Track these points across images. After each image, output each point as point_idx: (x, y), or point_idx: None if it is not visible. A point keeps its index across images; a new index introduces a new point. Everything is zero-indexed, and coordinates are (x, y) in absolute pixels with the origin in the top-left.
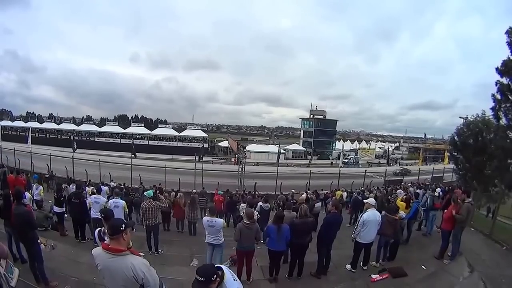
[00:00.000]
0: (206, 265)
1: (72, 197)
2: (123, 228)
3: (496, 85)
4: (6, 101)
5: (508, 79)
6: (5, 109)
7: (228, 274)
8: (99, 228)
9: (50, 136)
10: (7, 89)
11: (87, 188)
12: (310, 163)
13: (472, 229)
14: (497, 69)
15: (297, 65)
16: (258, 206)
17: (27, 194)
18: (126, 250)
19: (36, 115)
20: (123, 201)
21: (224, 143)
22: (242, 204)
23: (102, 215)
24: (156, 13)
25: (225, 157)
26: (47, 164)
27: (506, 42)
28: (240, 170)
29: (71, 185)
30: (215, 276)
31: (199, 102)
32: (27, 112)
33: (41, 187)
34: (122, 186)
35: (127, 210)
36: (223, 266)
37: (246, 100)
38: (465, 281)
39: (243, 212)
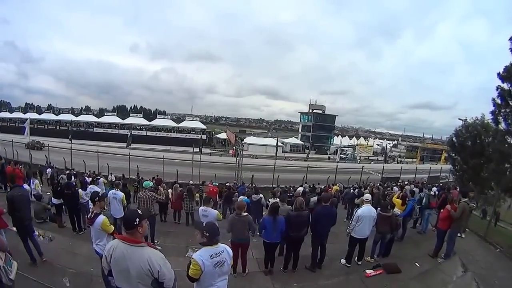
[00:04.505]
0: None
1: (65, 188)
2: (137, 223)
3: (497, 90)
4: (5, 92)
5: (509, 85)
6: (3, 101)
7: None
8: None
9: (49, 127)
10: (6, 80)
11: (87, 179)
12: (307, 157)
13: (467, 230)
14: (498, 74)
15: (297, 59)
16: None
17: (26, 186)
18: (143, 242)
19: (35, 106)
20: (122, 193)
21: (222, 135)
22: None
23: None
24: (156, 3)
25: (223, 149)
26: (45, 155)
27: (510, 48)
28: (237, 162)
29: (65, 174)
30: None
31: (198, 94)
32: (26, 103)
33: (36, 180)
34: (121, 177)
35: (125, 201)
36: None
37: (245, 92)
38: (458, 281)
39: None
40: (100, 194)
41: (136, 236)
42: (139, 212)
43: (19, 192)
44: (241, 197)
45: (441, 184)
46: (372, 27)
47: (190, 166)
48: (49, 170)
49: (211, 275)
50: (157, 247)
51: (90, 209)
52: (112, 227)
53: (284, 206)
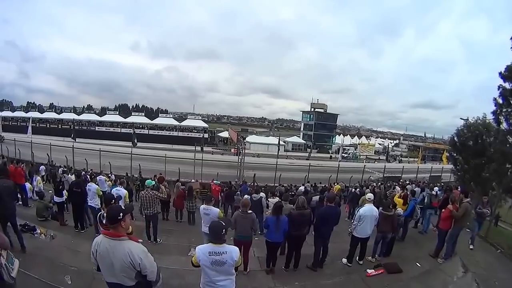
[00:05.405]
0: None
1: (74, 186)
2: (120, 217)
3: (498, 89)
4: (7, 91)
5: (511, 84)
6: (5, 100)
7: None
8: (101, 212)
9: (51, 126)
10: (7, 79)
11: (88, 177)
12: (309, 156)
13: (468, 230)
14: (500, 73)
15: (298, 57)
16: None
17: (28, 185)
18: (125, 236)
19: (37, 105)
20: (125, 191)
21: (224, 134)
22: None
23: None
24: (156, 1)
25: (225, 148)
26: (47, 154)
27: (511, 47)
28: (239, 161)
29: (69, 174)
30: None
31: (200, 92)
32: (28, 102)
33: (38, 177)
34: (124, 176)
35: (128, 200)
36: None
37: (247, 91)
38: (458, 281)
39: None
40: (115, 197)
41: (119, 230)
42: (123, 207)
43: (5, 183)
44: (246, 195)
45: (442, 184)
46: (374, 25)
47: (192, 164)
48: (42, 167)
49: (209, 271)
50: (139, 240)
51: (105, 215)
52: (131, 228)
53: (286, 205)
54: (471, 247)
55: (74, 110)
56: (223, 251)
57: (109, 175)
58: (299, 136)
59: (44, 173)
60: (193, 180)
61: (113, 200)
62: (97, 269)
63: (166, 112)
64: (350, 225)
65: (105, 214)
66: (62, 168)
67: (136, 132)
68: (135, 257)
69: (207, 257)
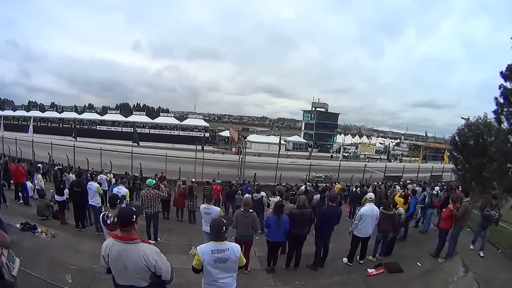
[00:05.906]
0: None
1: (74, 186)
2: (134, 220)
3: (499, 88)
4: (8, 90)
5: None
6: (6, 99)
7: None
8: (104, 212)
9: (52, 125)
10: (9, 78)
11: (89, 176)
12: (310, 155)
13: (469, 229)
14: (501, 73)
15: (299, 57)
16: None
17: (29, 184)
18: (138, 239)
19: (38, 104)
20: (126, 190)
21: (225, 133)
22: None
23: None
24: (157, 1)
25: (226, 147)
26: (48, 153)
27: None
28: (240, 160)
29: (70, 174)
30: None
31: (201, 92)
32: (29, 101)
33: (39, 175)
34: (125, 175)
35: (128, 199)
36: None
37: (248, 90)
38: (459, 281)
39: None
40: (119, 197)
41: (132, 233)
42: (134, 208)
43: None
44: (246, 194)
45: (443, 183)
46: (375, 24)
47: (193, 163)
48: (39, 165)
49: (212, 270)
50: (151, 241)
51: (109, 215)
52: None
53: (287, 205)
54: (471, 247)
55: (75, 109)
56: (225, 248)
57: (108, 173)
58: (300, 135)
59: (41, 171)
60: (193, 179)
61: (118, 200)
62: (107, 272)
63: (167, 111)
64: (351, 225)
65: (109, 214)
66: (58, 167)
67: (137, 131)
68: (150, 259)
69: (210, 255)
